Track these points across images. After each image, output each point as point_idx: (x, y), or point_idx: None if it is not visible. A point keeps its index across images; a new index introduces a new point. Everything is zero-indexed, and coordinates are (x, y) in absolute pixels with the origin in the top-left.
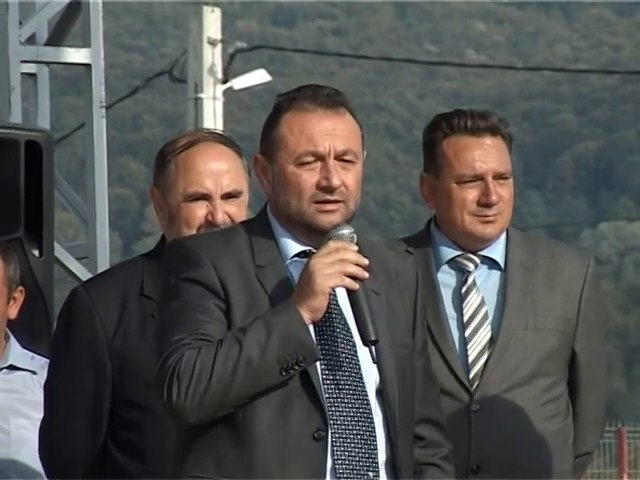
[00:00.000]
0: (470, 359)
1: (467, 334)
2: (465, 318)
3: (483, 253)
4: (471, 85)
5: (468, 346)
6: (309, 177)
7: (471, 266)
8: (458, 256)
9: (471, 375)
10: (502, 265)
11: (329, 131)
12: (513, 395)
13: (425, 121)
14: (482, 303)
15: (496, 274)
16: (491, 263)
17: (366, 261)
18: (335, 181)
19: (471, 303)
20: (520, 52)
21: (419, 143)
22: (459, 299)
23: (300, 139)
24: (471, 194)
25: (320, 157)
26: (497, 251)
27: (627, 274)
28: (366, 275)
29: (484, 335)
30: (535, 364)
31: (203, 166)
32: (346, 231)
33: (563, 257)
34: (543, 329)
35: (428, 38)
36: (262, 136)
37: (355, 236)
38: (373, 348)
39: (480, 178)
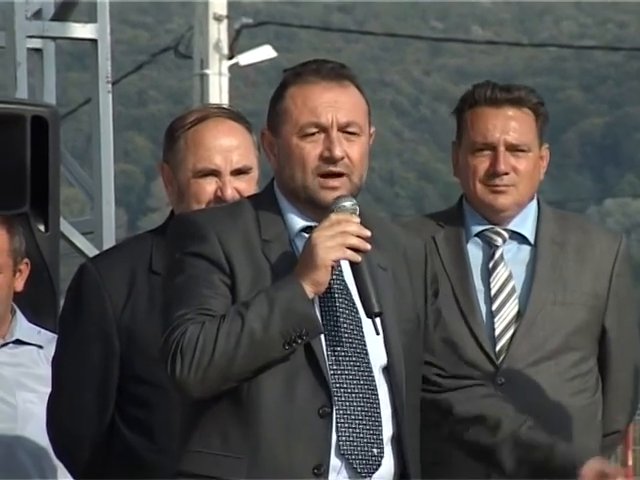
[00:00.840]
0: (497, 332)
1: (494, 308)
2: (492, 292)
3: (511, 228)
4: (477, 61)
5: (495, 319)
6: (312, 149)
7: (499, 240)
8: (486, 230)
9: (497, 348)
10: (532, 240)
11: (332, 103)
12: (539, 369)
13: (430, 97)
14: (509, 277)
15: (526, 249)
16: (521, 238)
17: (368, 233)
18: (337, 152)
19: (499, 277)
20: (526, 28)
21: (424, 119)
22: (487, 273)
23: (303, 110)
24: (482, 163)
25: (323, 128)
26: (526, 226)
27: (633, 250)
28: (368, 247)
29: (511, 309)
30: (563, 339)
31: (213, 142)
32: (348, 203)
33: (594, 234)
34: (572, 304)
35: (434, 14)
36: (268, 111)
37: (357, 208)
38: (378, 320)
39: (492, 147)
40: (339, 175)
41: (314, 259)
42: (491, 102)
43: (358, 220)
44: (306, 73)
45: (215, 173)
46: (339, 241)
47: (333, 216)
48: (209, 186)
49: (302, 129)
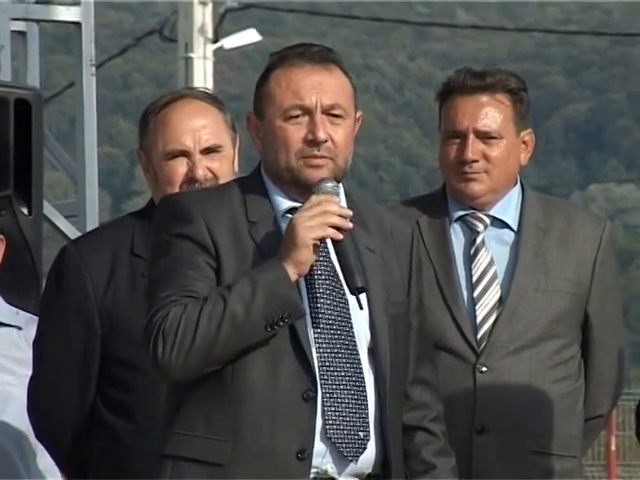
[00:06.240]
0: (478, 319)
1: (476, 294)
2: (474, 278)
3: (493, 214)
4: (461, 46)
5: (477, 306)
6: (296, 131)
7: (480, 226)
8: (467, 215)
9: (479, 335)
10: (514, 227)
11: (316, 85)
12: (521, 357)
13: (415, 82)
14: (491, 263)
15: (509, 235)
16: (503, 224)
17: (349, 212)
18: (321, 135)
19: (480, 263)
20: (510, 13)
21: (409, 104)
22: (468, 259)
23: (287, 93)
24: (453, 150)
25: (307, 111)
26: (509, 213)
27: (616, 236)
28: (350, 225)
29: (493, 295)
30: (545, 326)
31: (180, 123)
32: (329, 184)
33: (579, 219)
34: (554, 291)
35: None
36: (254, 95)
37: (338, 189)
38: (362, 297)
39: (462, 135)
40: (323, 157)
41: (295, 239)
42: (462, 90)
43: (339, 200)
44: (291, 56)
45: (185, 154)
46: (320, 220)
47: (314, 197)
48: (180, 167)
49: (286, 112)
